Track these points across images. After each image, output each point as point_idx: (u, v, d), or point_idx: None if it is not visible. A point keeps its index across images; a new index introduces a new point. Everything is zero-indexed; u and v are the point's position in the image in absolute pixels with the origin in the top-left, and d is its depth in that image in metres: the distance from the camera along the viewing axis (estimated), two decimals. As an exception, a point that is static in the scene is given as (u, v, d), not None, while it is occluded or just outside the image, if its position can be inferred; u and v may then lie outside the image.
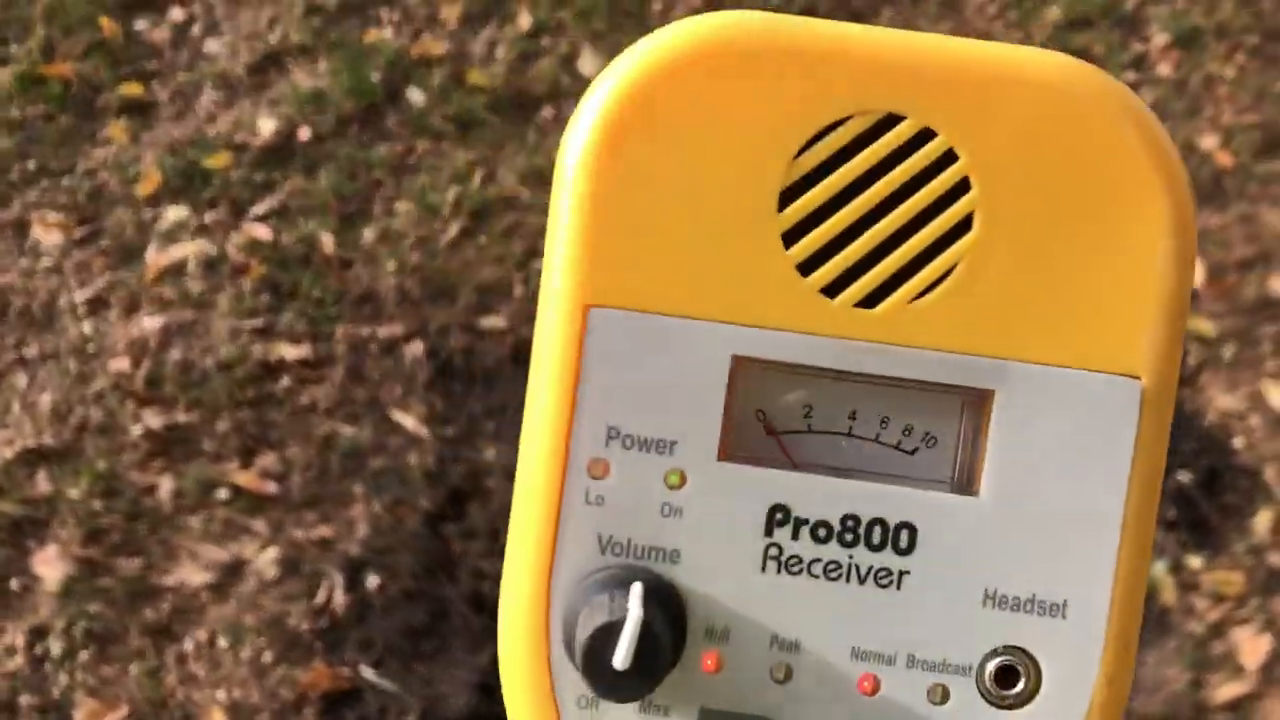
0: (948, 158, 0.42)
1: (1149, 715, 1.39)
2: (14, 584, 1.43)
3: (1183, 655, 1.42)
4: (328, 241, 1.68)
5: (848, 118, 0.42)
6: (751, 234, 0.42)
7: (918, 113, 0.42)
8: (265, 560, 1.45)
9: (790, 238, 0.42)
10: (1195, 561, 1.47)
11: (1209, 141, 1.79)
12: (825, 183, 0.42)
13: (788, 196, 0.42)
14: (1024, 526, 0.42)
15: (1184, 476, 1.52)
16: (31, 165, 1.76)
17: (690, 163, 0.42)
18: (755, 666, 0.42)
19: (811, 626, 0.42)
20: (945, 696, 0.42)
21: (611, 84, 0.42)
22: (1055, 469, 0.42)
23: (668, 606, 0.41)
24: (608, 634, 0.39)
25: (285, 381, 1.57)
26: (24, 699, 1.37)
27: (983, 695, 0.42)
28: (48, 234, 1.70)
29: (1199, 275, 1.67)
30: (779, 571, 0.42)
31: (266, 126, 1.79)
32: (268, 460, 1.51)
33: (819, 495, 0.42)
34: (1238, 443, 1.55)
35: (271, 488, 1.49)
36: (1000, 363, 0.42)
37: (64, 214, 1.71)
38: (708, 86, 0.42)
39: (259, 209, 1.71)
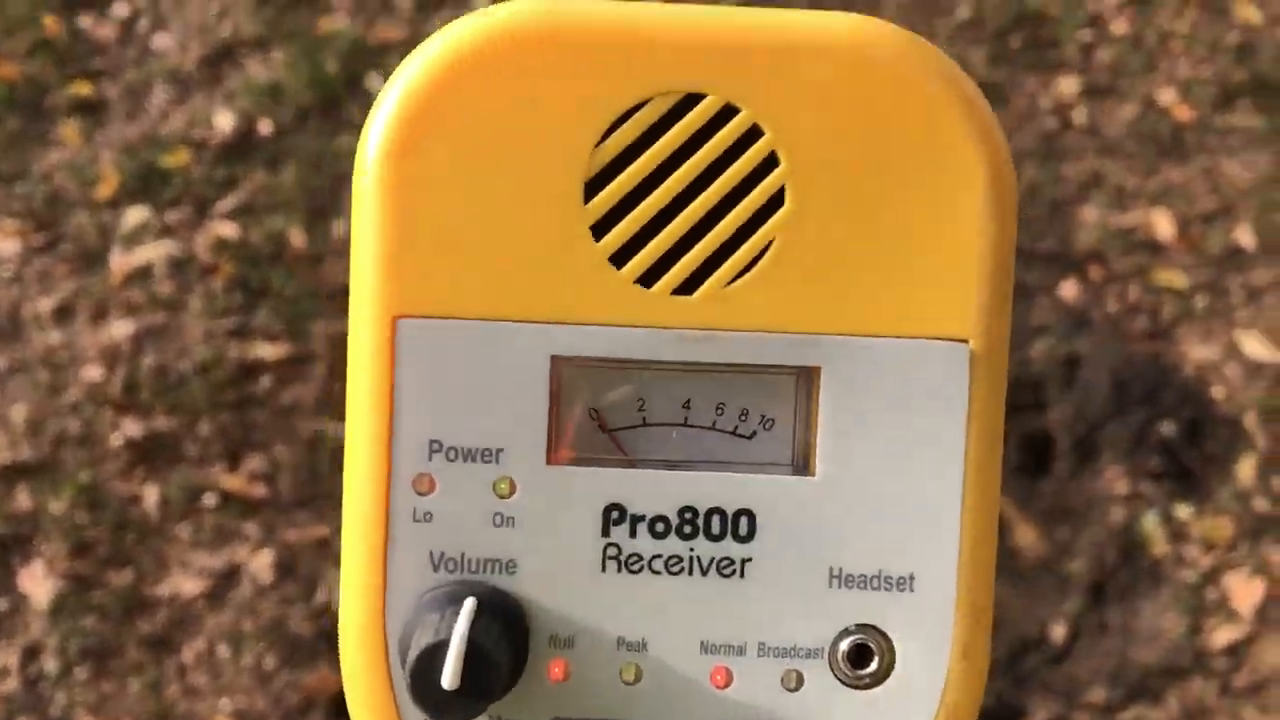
0: (753, 133, 0.41)
1: (1148, 664, 1.41)
2: (2, 604, 1.40)
3: (1178, 603, 1.45)
4: (297, 237, 1.65)
5: (646, 101, 0.40)
6: (559, 228, 0.41)
7: (718, 89, 0.40)
8: (260, 564, 1.42)
9: (599, 229, 0.41)
10: (1183, 511, 1.50)
11: (1167, 96, 1.81)
12: (629, 170, 0.41)
13: (593, 187, 0.41)
14: (862, 502, 0.41)
15: (1166, 428, 1.55)
16: (-17, 172, 1.71)
17: (490, 161, 0.40)
18: (603, 671, 0.42)
19: (657, 624, 0.42)
20: (800, 682, 0.42)
21: (401, 85, 0.40)
22: (889, 441, 0.41)
23: (507, 619, 0.40)
24: (434, 654, 0.38)
25: (265, 382, 1.54)
26: (23, 721, 1.33)
27: (837, 677, 0.42)
28: (6, 242, 1.65)
29: (1167, 229, 1.69)
30: (619, 571, 0.41)
31: (224, 122, 1.75)
32: (254, 462, 1.49)
33: (654, 490, 0.41)
34: (1216, 392, 1.58)
35: (260, 490, 1.47)
36: (823, 338, 0.41)
37: (21, 221, 1.67)
38: (498, 81, 0.40)
39: (223, 207, 1.68)
